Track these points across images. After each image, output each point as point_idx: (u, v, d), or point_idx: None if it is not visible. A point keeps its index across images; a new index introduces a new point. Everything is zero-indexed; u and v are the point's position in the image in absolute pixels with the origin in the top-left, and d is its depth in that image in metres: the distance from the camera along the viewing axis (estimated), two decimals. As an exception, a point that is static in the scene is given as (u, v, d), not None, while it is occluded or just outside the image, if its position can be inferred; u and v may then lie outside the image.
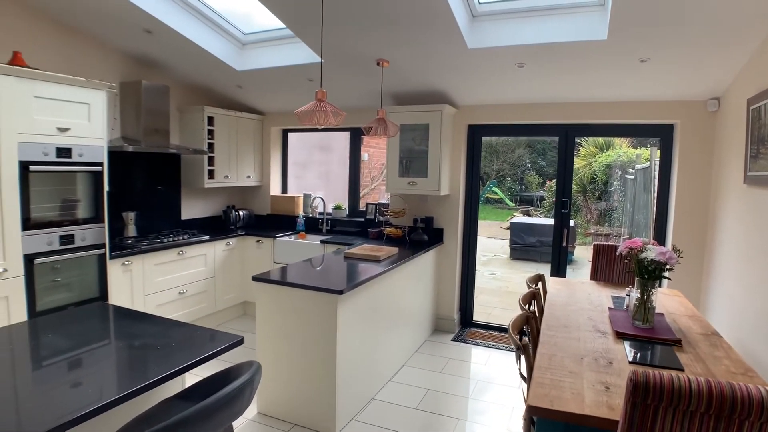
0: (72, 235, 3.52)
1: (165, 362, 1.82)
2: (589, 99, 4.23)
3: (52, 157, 3.34)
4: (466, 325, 5.23)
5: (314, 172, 8.08)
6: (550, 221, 9.97)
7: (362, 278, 3.23)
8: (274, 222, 5.86)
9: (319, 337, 3.07)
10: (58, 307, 3.43)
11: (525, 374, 2.38)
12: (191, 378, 2.07)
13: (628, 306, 2.89)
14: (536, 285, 3.21)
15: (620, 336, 2.50)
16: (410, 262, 4.13)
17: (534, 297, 2.99)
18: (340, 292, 2.92)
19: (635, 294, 2.67)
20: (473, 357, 4.44)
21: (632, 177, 9.16)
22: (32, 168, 3.21)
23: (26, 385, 1.70)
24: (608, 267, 3.85)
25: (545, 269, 3.70)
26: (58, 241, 3.43)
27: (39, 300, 3.34)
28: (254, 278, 3.22)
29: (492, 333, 5.04)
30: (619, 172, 10.76)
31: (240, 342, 2.07)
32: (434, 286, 4.97)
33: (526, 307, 2.76)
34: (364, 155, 8.70)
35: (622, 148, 11.14)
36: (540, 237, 9.74)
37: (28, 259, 3.24)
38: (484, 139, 4.99)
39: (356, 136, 5.57)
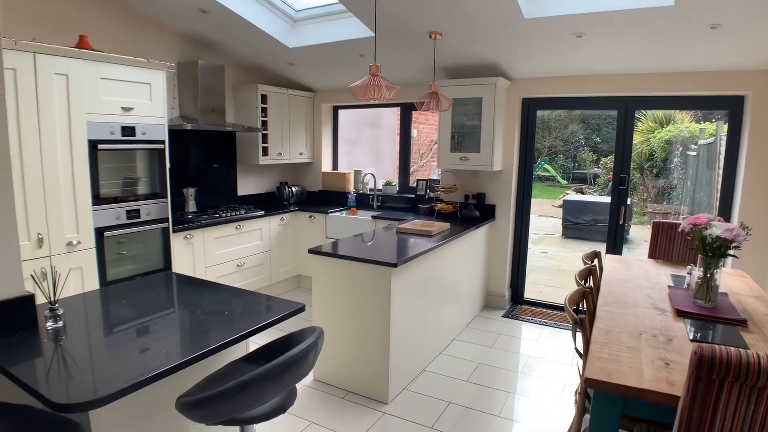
0: (138, 210, 3.71)
1: (231, 327, 1.92)
2: (652, 70, 4.05)
3: (118, 136, 3.51)
4: (516, 302, 5.20)
5: (364, 149, 8.14)
6: (605, 199, 9.68)
7: (415, 252, 3.26)
8: (326, 198, 5.96)
9: (373, 309, 3.14)
10: (126, 278, 3.64)
11: (581, 350, 2.36)
12: (252, 345, 2.18)
13: (689, 284, 2.80)
14: (592, 261, 3.15)
15: (681, 314, 2.44)
16: (462, 238, 4.13)
17: (590, 273, 2.94)
18: (394, 265, 2.97)
19: (697, 272, 2.58)
20: (524, 333, 4.42)
21: (694, 153, 8.75)
22: (100, 146, 3.39)
23: (101, 348, 1.83)
24: (668, 245, 3.72)
25: (599, 248, 3.62)
26: (125, 215, 3.62)
27: (109, 270, 3.55)
28: (310, 251, 3.31)
29: (543, 310, 4.99)
30: (680, 148, 10.28)
31: (302, 309, 2.15)
32: (485, 262, 4.95)
33: (582, 282, 2.72)
34: (413, 131, 8.68)
35: (683, 123, 10.62)
36: (594, 215, 9.48)
37: (99, 232, 3.45)
38: (537, 113, 4.88)
39: (407, 112, 5.55)
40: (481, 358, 3.89)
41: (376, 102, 3.69)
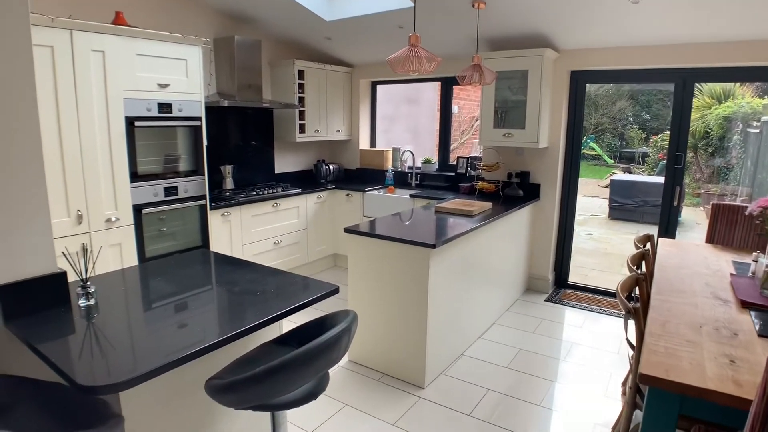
0: (175, 187, 3.70)
1: (264, 308, 1.85)
2: (714, 38, 3.72)
3: (155, 113, 3.48)
4: (560, 286, 5.01)
5: (402, 126, 7.98)
6: (656, 179, 9.22)
7: (455, 233, 3.13)
8: (363, 176, 5.86)
9: (410, 291, 3.04)
10: (164, 254, 3.66)
11: (632, 340, 2.20)
12: (287, 324, 2.11)
13: (754, 273, 2.58)
14: (645, 245, 2.95)
15: (746, 305, 2.23)
16: (504, 218, 3.96)
17: (643, 258, 2.75)
18: (433, 246, 2.85)
19: (765, 260, 2.36)
20: (568, 319, 4.25)
21: (756, 131, 8.19)
22: (137, 123, 3.37)
23: (131, 327, 1.79)
24: (728, 229, 3.46)
25: (649, 231, 3.36)
26: (163, 192, 3.62)
27: (148, 247, 3.57)
28: (346, 230, 3.23)
29: (589, 295, 4.79)
30: (740, 126, 9.66)
31: (336, 291, 2.08)
32: (528, 243, 4.76)
33: (635, 268, 2.54)
34: (454, 108, 8.46)
35: (744, 98, 9.95)
36: (644, 196, 9.06)
37: (137, 209, 3.46)
38: (586, 88, 4.60)
39: (448, 87, 5.36)
40: (522, 343, 3.75)
41: (416, 76, 3.54)
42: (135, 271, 2.39)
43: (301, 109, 5.15)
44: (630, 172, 13.25)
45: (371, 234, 3.14)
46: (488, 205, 4.04)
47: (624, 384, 3.15)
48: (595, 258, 6.65)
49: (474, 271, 3.60)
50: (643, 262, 2.78)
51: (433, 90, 8.00)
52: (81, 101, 3.04)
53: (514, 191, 4.59)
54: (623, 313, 2.10)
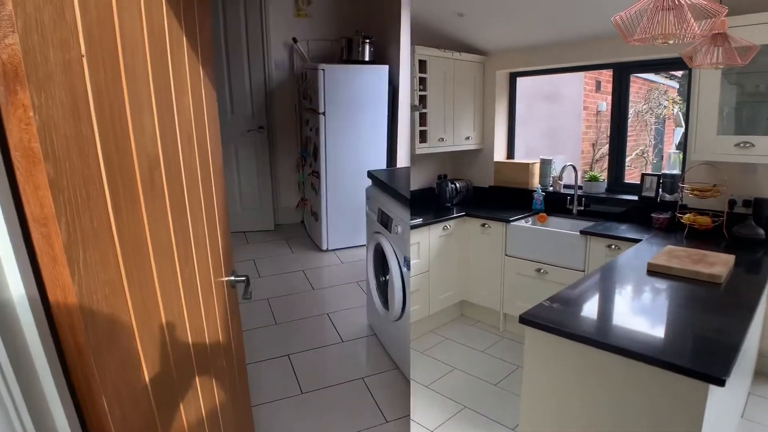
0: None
1: None
2: None
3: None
4: (805, 367, 3.34)
5: (535, 130, 6.47)
6: None
7: (735, 339, 1.69)
8: (500, 197, 4.47)
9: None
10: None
11: None
12: None
13: None
14: None
15: None
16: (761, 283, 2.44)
17: None
18: (720, 382, 1.45)
19: None
20: None
21: None
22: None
23: None
24: None
25: None
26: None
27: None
28: (523, 321, 1.90)
29: None
30: None
31: None
32: (765, 307, 3.16)
33: None
34: (602, 105, 6.86)
35: None
36: None
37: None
38: None
39: (622, 75, 3.84)
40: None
41: (660, 51, 2.12)
42: None
43: (423, 111, 3.90)
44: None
45: (576, 336, 1.77)
46: (729, 259, 2.52)
47: None
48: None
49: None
50: None
51: (577, 83, 6.43)
52: None
53: (749, 230, 3.00)
54: None
